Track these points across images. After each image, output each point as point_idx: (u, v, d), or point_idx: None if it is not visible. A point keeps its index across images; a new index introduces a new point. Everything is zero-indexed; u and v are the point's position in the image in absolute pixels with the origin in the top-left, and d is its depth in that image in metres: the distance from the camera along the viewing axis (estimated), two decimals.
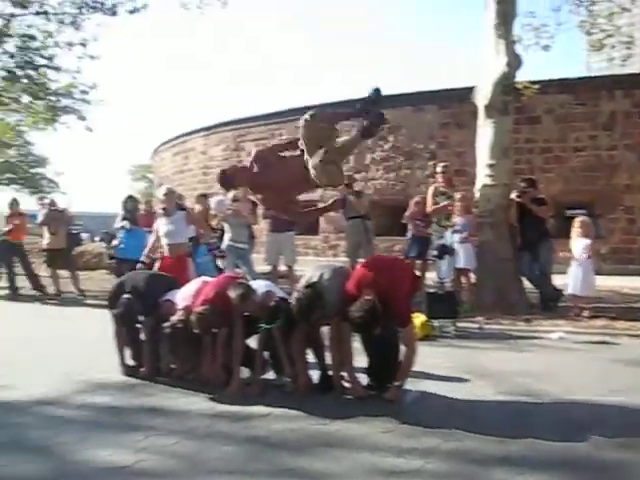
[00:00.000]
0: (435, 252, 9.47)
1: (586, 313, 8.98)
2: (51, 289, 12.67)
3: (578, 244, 9.14)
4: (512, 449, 4.02)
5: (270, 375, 5.72)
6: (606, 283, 10.80)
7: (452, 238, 9.77)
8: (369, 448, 4.09)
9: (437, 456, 3.94)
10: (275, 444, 4.20)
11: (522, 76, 11.43)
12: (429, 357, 6.63)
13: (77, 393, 5.45)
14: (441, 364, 6.43)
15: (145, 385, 5.71)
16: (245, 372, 5.59)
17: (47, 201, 13.35)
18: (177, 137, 27.57)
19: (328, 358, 5.44)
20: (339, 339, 5.23)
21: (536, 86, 12.49)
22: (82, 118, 23.50)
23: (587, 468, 3.79)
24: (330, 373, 5.45)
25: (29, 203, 34.83)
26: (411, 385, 5.36)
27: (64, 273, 12.94)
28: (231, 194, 9.88)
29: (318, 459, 3.93)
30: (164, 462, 3.90)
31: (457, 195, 10.19)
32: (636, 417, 4.72)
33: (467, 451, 4.03)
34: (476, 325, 8.61)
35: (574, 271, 9.09)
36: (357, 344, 5.38)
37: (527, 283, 10.21)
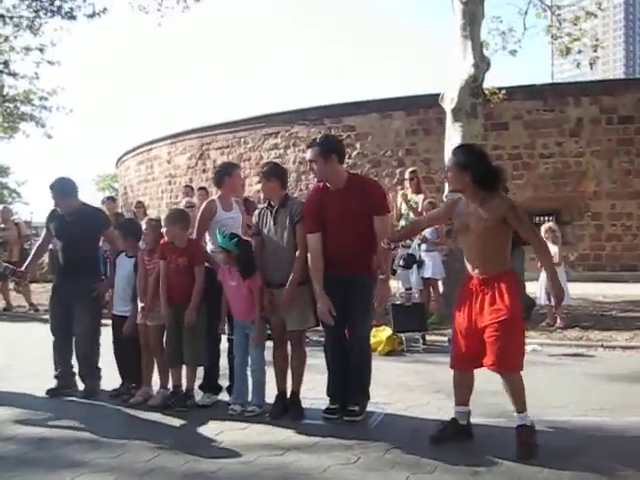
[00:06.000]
0: (402, 262, 8.94)
1: (560, 323, 8.69)
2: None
3: None
4: None
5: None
6: (576, 291, 10.52)
7: (419, 248, 9.30)
8: None
9: None
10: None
11: (490, 82, 11.19)
12: (396, 374, 6.26)
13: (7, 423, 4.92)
14: (409, 382, 6.05)
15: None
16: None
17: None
18: (142, 145, 26.87)
19: None
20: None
21: (503, 92, 12.28)
22: (41, 125, 22.83)
23: None
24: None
25: None
26: (374, 406, 4.98)
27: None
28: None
29: None
30: None
31: (423, 201, 9.52)
32: (619, 442, 4.33)
33: None
34: (446, 338, 8.19)
35: (545, 279, 8.76)
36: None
37: None
